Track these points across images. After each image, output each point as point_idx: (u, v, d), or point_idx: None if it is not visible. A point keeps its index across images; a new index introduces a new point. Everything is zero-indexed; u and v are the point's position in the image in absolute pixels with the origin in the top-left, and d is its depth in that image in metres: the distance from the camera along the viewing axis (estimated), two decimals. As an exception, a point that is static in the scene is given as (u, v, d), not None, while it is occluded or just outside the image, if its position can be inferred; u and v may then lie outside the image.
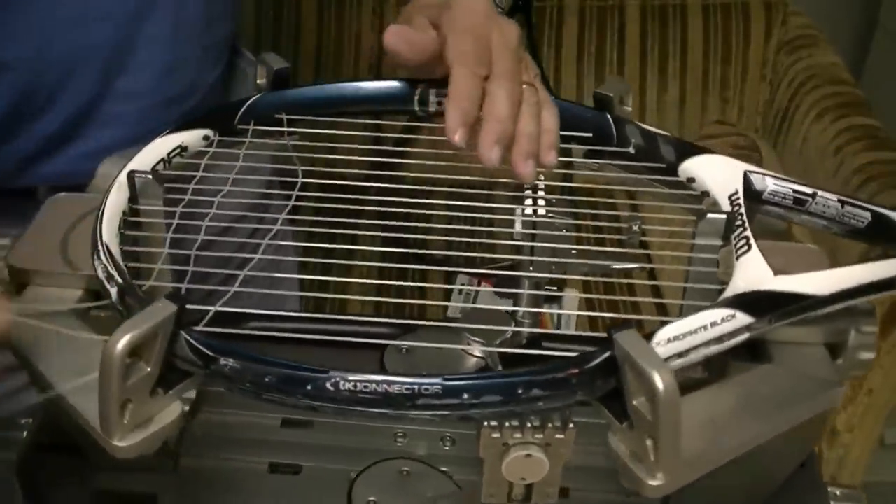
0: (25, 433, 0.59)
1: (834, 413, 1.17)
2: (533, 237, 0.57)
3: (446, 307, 0.61)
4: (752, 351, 0.50)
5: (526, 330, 0.62)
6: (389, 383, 0.40)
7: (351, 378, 0.40)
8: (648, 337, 0.42)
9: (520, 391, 0.41)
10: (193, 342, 0.42)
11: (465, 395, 0.40)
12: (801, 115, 1.59)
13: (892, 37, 1.85)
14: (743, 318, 0.44)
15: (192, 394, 0.59)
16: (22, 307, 0.48)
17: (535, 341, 0.62)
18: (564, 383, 0.41)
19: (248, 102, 0.59)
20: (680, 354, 0.43)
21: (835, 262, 0.51)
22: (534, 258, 0.59)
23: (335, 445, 0.61)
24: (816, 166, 1.50)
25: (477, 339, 0.61)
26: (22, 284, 0.52)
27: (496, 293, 0.64)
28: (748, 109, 1.72)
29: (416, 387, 0.40)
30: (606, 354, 0.41)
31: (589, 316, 0.54)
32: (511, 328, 0.61)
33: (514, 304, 0.63)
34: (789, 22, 1.72)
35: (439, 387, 0.40)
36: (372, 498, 0.56)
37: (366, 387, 0.40)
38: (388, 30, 0.57)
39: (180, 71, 0.72)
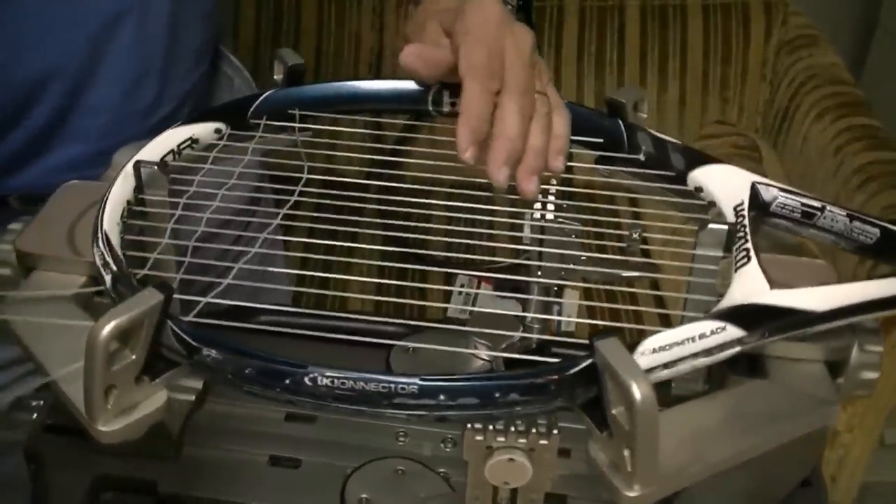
0: (35, 415, 0.60)
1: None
2: (541, 242, 0.57)
3: (446, 307, 0.61)
4: (752, 365, 0.49)
5: (535, 336, 0.62)
6: (366, 381, 0.40)
7: (328, 374, 0.41)
8: (633, 346, 0.42)
9: (497, 395, 0.40)
10: (178, 332, 0.42)
11: (442, 397, 0.40)
12: (801, 115, 1.58)
13: (892, 37, 1.84)
14: (734, 331, 0.44)
15: (198, 384, 0.60)
16: (16, 294, 0.48)
17: (543, 346, 0.62)
18: (543, 389, 0.41)
19: (262, 97, 0.60)
20: (666, 365, 0.43)
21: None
22: (542, 263, 0.58)
23: (336, 441, 0.61)
24: (816, 166, 1.49)
25: (484, 342, 0.61)
26: (29, 268, 0.53)
27: (497, 294, 0.64)
28: (748, 109, 1.71)
29: (392, 386, 0.40)
30: (587, 362, 0.41)
31: (590, 318, 0.53)
32: (518, 333, 0.61)
33: (524, 309, 0.63)
34: (789, 22, 1.71)
35: (416, 387, 0.40)
36: (364, 495, 0.56)
37: (343, 383, 0.41)
38: (405, 50, 0.57)
39: (147, 83, 0.72)
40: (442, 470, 0.58)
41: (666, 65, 1.68)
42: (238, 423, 0.63)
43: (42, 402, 0.61)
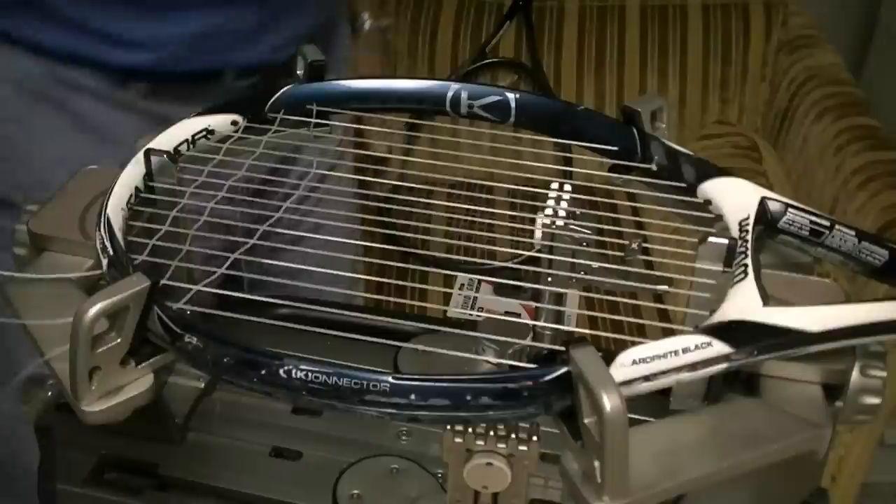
0: (50, 393, 0.62)
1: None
2: (551, 249, 0.56)
3: (448, 303, 0.61)
4: (749, 383, 0.48)
5: (547, 346, 0.61)
6: (339, 376, 0.40)
7: (303, 367, 0.41)
8: (611, 356, 0.41)
9: (468, 398, 0.40)
10: (163, 317, 0.43)
11: (413, 396, 0.40)
12: (801, 115, 1.57)
13: (892, 37, 1.82)
14: (720, 348, 0.43)
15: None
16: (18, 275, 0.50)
17: (554, 354, 0.61)
18: (515, 394, 0.40)
19: (280, 91, 0.60)
20: (646, 378, 0.42)
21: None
22: (551, 271, 0.58)
23: (339, 437, 0.62)
24: (816, 166, 1.47)
25: (493, 346, 0.61)
26: (42, 249, 0.54)
27: (497, 294, 0.63)
28: (748, 109, 1.69)
29: (364, 382, 0.40)
30: (563, 370, 0.40)
31: (589, 323, 0.53)
32: (526, 342, 0.60)
33: (536, 315, 0.62)
34: (789, 22, 1.69)
35: (387, 385, 0.40)
36: (356, 491, 0.56)
37: (317, 377, 0.41)
38: None
39: None
40: (439, 471, 0.58)
41: (666, 65, 1.68)
42: (245, 413, 0.63)
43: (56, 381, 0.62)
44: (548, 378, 0.41)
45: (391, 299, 0.65)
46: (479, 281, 0.58)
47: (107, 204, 0.50)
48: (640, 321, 1.15)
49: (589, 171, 0.57)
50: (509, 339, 0.54)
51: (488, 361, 0.60)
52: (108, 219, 0.49)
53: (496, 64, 1.68)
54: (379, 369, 0.40)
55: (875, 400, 0.47)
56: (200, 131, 0.57)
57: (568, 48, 1.68)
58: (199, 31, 0.77)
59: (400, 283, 0.54)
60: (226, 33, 0.78)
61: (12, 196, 0.78)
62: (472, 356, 0.60)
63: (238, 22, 0.78)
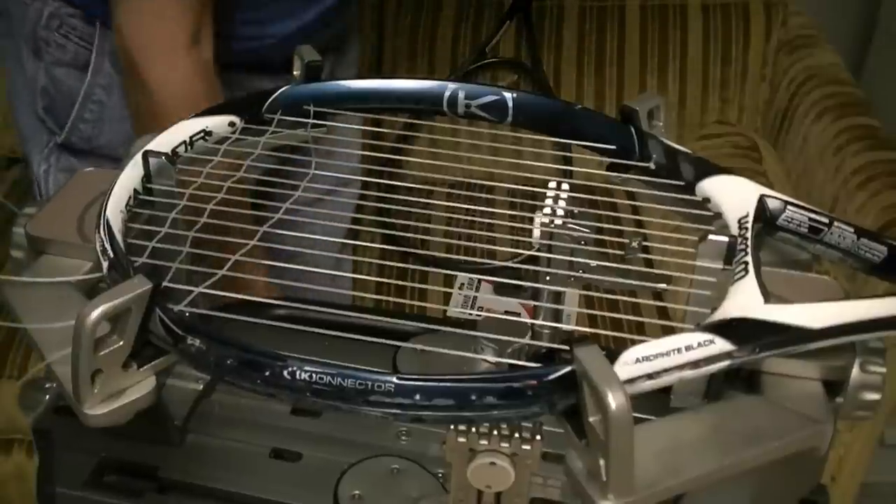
0: (48, 396, 0.62)
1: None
2: (550, 248, 0.56)
3: (448, 302, 0.61)
4: (750, 381, 0.48)
5: (545, 344, 0.61)
6: (344, 377, 0.40)
7: (307, 368, 0.41)
8: (615, 355, 0.41)
9: (473, 397, 0.40)
10: (165, 320, 0.43)
11: (418, 396, 0.40)
12: (801, 115, 1.57)
13: (892, 37, 1.82)
14: (723, 345, 0.43)
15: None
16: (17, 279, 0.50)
17: (552, 353, 0.61)
18: (520, 394, 0.41)
19: (278, 92, 0.60)
20: (650, 376, 0.42)
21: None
22: (549, 270, 0.58)
23: (339, 437, 0.62)
24: (816, 166, 1.47)
25: (492, 346, 0.61)
26: (40, 252, 0.54)
27: (497, 293, 0.63)
28: (748, 109, 1.70)
29: (368, 383, 0.40)
30: (566, 369, 0.40)
31: (590, 321, 0.53)
32: (525, 340, 0.60)
33: (534, 314, 0.62)
34: (789, 22, 1.70)
35: (392, 385, 0.40)
36: (357, 492, 0.56)
37: (321, 378, 0.41)
38: None
39: None
40: (440, 471, 0.58)
41: (666, 65, 1.68)
42: (244, 414, 0.63)
43: (54, 384, 0.62)
44: (552, 377, 0.41)
45: (391, 299, 0.65)
46: (479, 280, 0.58)
47: (106, 206, 0.50)
48: (640, 319, 1.16)
49: (589, 171, 0.57)
50: (509, 339, 0.54)
51: (487, 361, 0.60)
52: (107, 221, 0.49)
53: (496, 64, 1.68)
54: (383, 370, 0.40)
55: (875, 396, 0.48)
56: (198, 133, 0.57)
57: (568, 48, 1.68)
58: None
59: (400, 282, 0.54)
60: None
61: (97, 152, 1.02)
62: (472, 355, 0.60)
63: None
